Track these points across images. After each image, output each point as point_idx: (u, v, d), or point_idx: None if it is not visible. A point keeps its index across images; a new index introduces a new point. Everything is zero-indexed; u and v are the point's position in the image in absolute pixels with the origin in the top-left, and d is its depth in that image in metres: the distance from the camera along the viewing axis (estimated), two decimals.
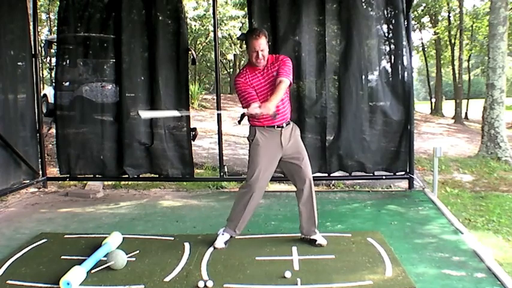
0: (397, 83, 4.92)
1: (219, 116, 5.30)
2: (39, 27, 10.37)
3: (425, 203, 4.46)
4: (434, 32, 19.69)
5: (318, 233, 3.30)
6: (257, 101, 3.04)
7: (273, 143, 3.16)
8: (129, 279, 2.75)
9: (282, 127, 3.16)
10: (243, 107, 3.10)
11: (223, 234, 3.30)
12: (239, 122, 3.26)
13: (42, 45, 10.57)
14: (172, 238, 3.51)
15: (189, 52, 5.18)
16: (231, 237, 3.31)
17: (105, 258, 2.94)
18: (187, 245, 3.30)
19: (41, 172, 5.44)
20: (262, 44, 3.06)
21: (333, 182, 5.52)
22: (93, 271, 2.84)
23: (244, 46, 3.42)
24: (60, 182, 5.65)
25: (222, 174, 5.28)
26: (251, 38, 3.08)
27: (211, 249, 3.20)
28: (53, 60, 10.36)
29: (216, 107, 5.35)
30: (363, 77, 4.90)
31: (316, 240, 3.24)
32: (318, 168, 5.04)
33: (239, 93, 3.16)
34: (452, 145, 9.72)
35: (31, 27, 5.26)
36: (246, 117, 3.23)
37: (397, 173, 5.05)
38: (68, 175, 5.34)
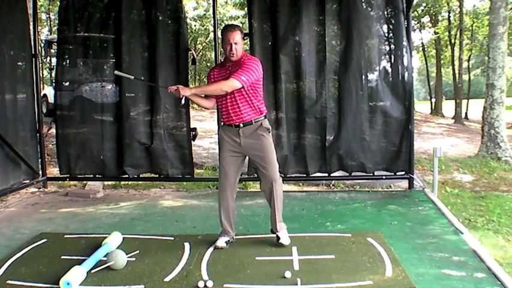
0: (397, 82, 4.92)
1: None
2: (39, 27, 10.38)
3: (425, 203, 4.46)
4: (434, 31, 19.68)
5: (283, 231, 3.33)
6: (210, 99, 3.30)
7: (232, 140, 3.26)
8: (129, 279, 2.75)
9: (239, 127, 3.22)
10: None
11: (222, 236, 3.32)
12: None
13: (42, 45, 10.56)
14: (172, 238, 3.51)
15: (189, 52, 5.18)
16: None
17: (105, 258, 2.94)
18: (187, 245, 3.30)
19: (41, 172, 5.44)
20: (236, 37, 3.13)
21: (333, 182, 5.52)
22: (93, 271, 2.84)
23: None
24: (60, 182, 5.65)
25: None
26: (226, 31, 3.16)
27: (211, 249, 3.21)
28: (53, 60, 10.36)
29: (216, 107, 5.34)
30: (363, 77, 4.90)
31: (279, 238, 3.28)
32: (318, 168, 5.04)
33: None
34: (452, 145, 9.71)
35: (31, 27, 5.26)
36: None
37: (397, 173, 5.05)
38: (68, 175, 5.34)
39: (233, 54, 3.14)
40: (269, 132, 3.28)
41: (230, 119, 3.23)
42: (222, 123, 3.37)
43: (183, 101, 3.20)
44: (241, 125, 3.21)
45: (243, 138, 3.22)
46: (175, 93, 3.13)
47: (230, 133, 3.27)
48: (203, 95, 3.32)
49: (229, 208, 3.33)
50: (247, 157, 3.41)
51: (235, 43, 3.12)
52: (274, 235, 3.34)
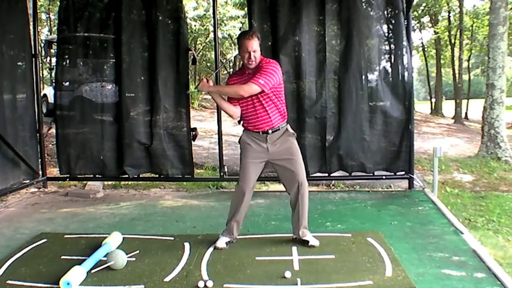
0: (397, 82, 4.92)
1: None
2: (39, 27, 10.38)
3: (425, 203, 4.46)
4: (434, 31, 19.68)
5: (309, 233, 3.29)
6: (235, 104, 3.21)
7: (258, 147, 3.21)
8: (129, 279, 2.75)
9: (267, 133, 3.19)
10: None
11: (224, 235, 3.31)
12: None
13: (42, 45, 10.56)
14: (172, 238, 3.51)
15: (190, 52, 5.17)
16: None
17: (105, 258, 2.94)
18: (187, 245, 3.30)
19: (41, 172, 5.43)
20: (254, 45, 3.08)
21: (333, 182, 5.52)
22: (93, 271, 2.84)
23: None
24: (60, 182, 5.64)
25: (222, 174, 5.28)
26: (244, 39, 3.11)
27: (211, 249, 3.20)
28: (53, 60, 10.36)
29: (216, 107, 5.35)
30: (363, 77, 4.89)
31: (308, 242, 3.23)
32: (318, 168, 5.04)
33: None
34: (452, 145, 9.72)
35: (31, 27, 5.26)
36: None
37: (397, 173, 5.05)
38: (68, 175, 5.34)
39: (252, 62, 3.10)
40: (295, 136, 3.27)
41: (257, 127, 3.18)
42: (246, 129, 3.28)
43: (189, 91, 3.21)
44: (270, 131, 3.17)
45: (269, 144, 3.18)
46: (200, 85, 3.22)
47: (256, 139, 3.21)
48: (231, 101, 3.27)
49: (242, 211, 3.29)
50: None
51: (254, 51, 3.07)
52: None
